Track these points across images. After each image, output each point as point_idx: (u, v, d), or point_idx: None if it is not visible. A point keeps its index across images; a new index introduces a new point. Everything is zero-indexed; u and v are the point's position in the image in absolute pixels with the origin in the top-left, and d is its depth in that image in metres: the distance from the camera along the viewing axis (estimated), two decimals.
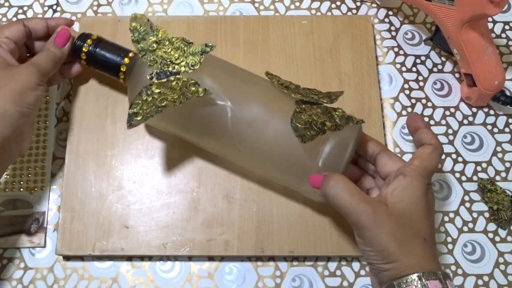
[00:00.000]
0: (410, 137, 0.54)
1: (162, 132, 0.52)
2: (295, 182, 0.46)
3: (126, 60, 0.48)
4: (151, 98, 0.42)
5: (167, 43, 0.45)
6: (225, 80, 0.45)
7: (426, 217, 0.40)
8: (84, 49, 0.48)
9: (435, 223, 0.44)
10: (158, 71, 0.43)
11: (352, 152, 0.43)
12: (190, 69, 0.44)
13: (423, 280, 0.37)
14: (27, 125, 0.43)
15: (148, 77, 0.43)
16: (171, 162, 0.51)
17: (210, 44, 0.44)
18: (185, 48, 0.44)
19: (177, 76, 0.43)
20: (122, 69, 0.48)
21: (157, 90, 0.43)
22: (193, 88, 0.43)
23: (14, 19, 0.59)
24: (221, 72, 0.46)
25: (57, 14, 0.59)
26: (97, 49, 0.48)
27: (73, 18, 0.59)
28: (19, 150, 0.45)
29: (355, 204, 0.39)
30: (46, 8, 0.59)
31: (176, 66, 0.44)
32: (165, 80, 0.43)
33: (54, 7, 0.59)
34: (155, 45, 0.44)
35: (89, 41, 0.48)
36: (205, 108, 0.44)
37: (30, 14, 0.59)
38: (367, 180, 0.47)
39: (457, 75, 0.57)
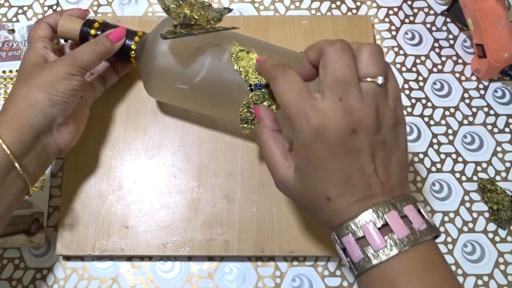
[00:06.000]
0: (410, 137, 0.54)
1: (162, 130, 0.52)
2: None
3: (136, 38, 0.48)
4: (179, 31, 0.43)
5: (189, 2, 0.45)
6: (247, 36, 0.47)
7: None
8: (92, 33, 0.48)
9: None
10: (181, 22, 0.44)
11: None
12: (211, 24, 0.45)
13: (380, 213, 0.32)
14: (61, 118, 0.43)
15: (172, 27, 0.43)
16: (171, 162, 0.51)
17: (227, 7, 0.46)
18: (206, 8, 0.45)
19: (201, 25, 0.44)
20: (132, 48, 0.48)
21: (184, 30, 0.43)
22: (219, 26, 0.44)
23: (14, 19, 0.59)
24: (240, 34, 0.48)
25: None
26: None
27: None
28: (58, 146, 0.45)
29: (271, 160, 0.37)
30: (46, 8, 0.59)
31: (199, 21, 0.44)
32: (189, 29, 0.43)
33: (54, 7, 0.59)
34: (177, 3, 0.44)
35: (96, 24, 0.48)
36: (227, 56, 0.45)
37: (30, 14, 0.59)
38: None
39: (457, 74, 0.57)
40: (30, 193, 0.43)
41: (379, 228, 0.32)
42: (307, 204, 0.36)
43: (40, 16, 0.59)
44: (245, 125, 0.45)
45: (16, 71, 0.55)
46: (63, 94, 0.42)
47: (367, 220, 0.33)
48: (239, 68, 0.44)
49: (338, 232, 0.34)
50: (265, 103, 0.44)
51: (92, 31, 0.48)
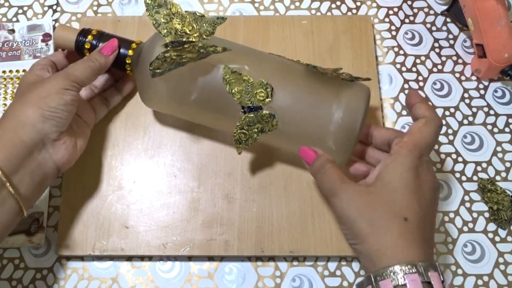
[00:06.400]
0: None
1: (162, 130, 0.52)
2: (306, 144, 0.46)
3: (130, 52, 0.48)
4: (169, 57, 0.42)
5: (180, 16, 0.45)
6: (240, 49, 0.47)
7: (411, 195, 0.37)
8: (86, 46, 0.48)
9: (432, 204, 0.39)
10: (173, 39, 0.44)
11: (361, 124, 0.43)
12: (204, 38, 0.45)
13: (400, 273, 0.34)
14: (55, 133, 0.42)
15: (163, 47, 0.43)
16: (171, 162, 0.51)
17: (221, 17, 0.45)
18: (197, 21, 0.45)
19: (193, 43, 0.44)
20: (127, 61, 0.48)
21: (175, 53, 0.43)
22: (211, 48, 0.43)
23: (14, 19, 0.59)
24: (234, 45, 0.47)
25: (57, 14, 0.59)
26: (100, 44, 0.48)
27: (73, 18, 0.59)
28: (56, 164, 0.43)
29: (331, 184, 0.39)
30: (46, 8, 0.59)
31: (190, 37, 0.44)
32: (180, 48, 0.43)
33: (54, 7, 0.59)
34: (168, 18, 0.44)
35: (90, 36, 0.48)
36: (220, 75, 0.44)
37: (30, 14, 0.59)
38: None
39: (457, 74, 0.57)
40: (24, 214, 0.41)
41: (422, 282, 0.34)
42: (360, 228, 0.37)
43: (40, 16, 0.59)
44: (239, 145, 0.46)
45: (16, 71, 0.55)
46: (55, 109, 0.42)
47: (414, 270, 0.34)
48: (231, 90, 0.44)
49: (378, 274, 0.35)
50: (258, 125, 0.44)
51: (88, 41, 0.48)
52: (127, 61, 0.48)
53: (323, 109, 0.43)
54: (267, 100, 0.43)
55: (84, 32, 0.48)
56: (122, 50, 0.48)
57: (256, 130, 0.45)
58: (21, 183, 0.40)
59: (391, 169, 0.38)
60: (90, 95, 0.51)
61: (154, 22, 0.44)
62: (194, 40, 0.44)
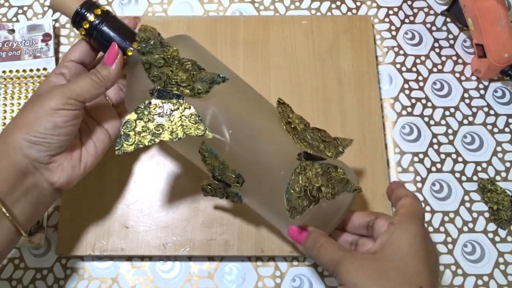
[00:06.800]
0: (410, 137, 0.54)
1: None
2: (277, 224, 0.45)
3: (130, 51, 0.42)
4: (147, 119, 0.40)
5: (176, 62, 0.40)
6: (229, 110, 0.42)
7: (421, 262, 0.36)
8: (85, 25, 0.41)
9: (438, 272, 0.39)
10: (160, 88, 0.40)
11: (340, 219, 0.42)
12: (196, 95, 0.40)
13: None
14: (46, 158, 0.39)
15: (149, 92, 0.40)
16: (171, 162, 0.51)
17: (222, 76, 0.41)
18: (194, 73, 0.41)
19: (179, 100, 0.40)
20: (128, 52, 0.42)
21: (155, 110, 0.40)
22: (193, 124, 0.40)
23: (14, 19, 0.59)
24: (227, 99, 0.42)
25: (57, 14, 0.59)
26: (103, 27, 0.42)
27: None
28: (53, 186, 0.40)
29: (335, 254, 0.38)
30: (46, 8, 0.59)
31: (181, 88, 0.40)
32: (165, 101, 0.40)
33: None
34: (162, 62, 0.40)
35: (92, 16, 0.41)
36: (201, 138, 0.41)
37: (30, 14, 0.59)
38: (364, 242, 0.44)
39: (457, 74, 0.57)
40: (23, 234, 0.39)
41: None
42: None
43: (40, 16, 0.59)
44: (205, 194, 0.45)
45: (16, 71, 0.55)
46: (43, 135, 0.38)
47: None
48: (205, 162, 0.42)
49: None
50: (224, 192, 0.44)
51: (88, 20, 0.41)
52: (128, 53, 0.42)
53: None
54: (236, 184, 0.42)
55: (88, 5, 0.41)
56: (124, 44, 0.42)
57: (221, 195, 0.44)
58: (15, 204, 0.38)
59: (398, 235, 0.37)
60: (120, 98, 0.46)
61: (145, 62, 0.40)
62: (185, 92, 0.40)
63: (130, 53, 0.42)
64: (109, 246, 0.48)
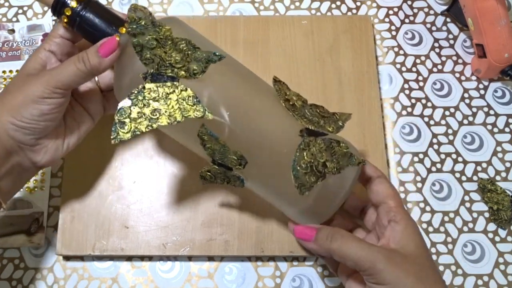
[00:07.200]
0: (410, 137, 0.54)
1: (162, 132, 0.52)
2: (284, 207, 0.45)
3: (118, 36, 0.39)
4: (142, 105, 0.38)
5: (169, 42, 0.39)
6: (227, 90, 0.41)
7: (429, 258, 0.39)
8: (66, 12, 0.39)
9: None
10: (153, 71, 0.38)
11: (347, 193, 0.41)
12: (192, 76, 0.39)
13: None
14: (32, 140, 0.40)
15: (141, 76, 0.38)
16: (171, 162, 0.51)
17: (218, 54, 0.39)
18: (189, 52, 0.39)
19: (175, 83, 0.38)
20: (116, 37, 0.39)
21: (150, 95, 0.38)
22: (191, 106, 0.38)
23: (14, 19, 0.59)
24: (224, 79, 0.41)
25: None
26: (87, 14, 0.39)
27: None
28: (36, 165, 0.42)
29: (366, 250, 0.38)
30: (46, 8, 0.59)
31: (176, 70, 0.38)
32: (160, 84, 0.38)
33: None
34: (154, 43, 0.38)
35: (74, 1, 0.39)
36: (200, 121, 0.40)
37: (30, 14, 0.59)
38: (358, 232, 0.45)
39: (457, 74, 0.57)
40: (3, 207, 0.40)
41: None
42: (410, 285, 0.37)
43: (40, 16, 0.59)
44: (204, 181, 0.43)
45: (16, 71, 0.55)
46: (29, 120, 0.38)
47: None
48: (205, 146, 0.40)
49: None
50: (225, 177, 0.43)
51: (70, 7, 0.39)
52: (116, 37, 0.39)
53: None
54: (238, 167, 0.41)
55: None
56: (109, 30, 0.40)
57: (221, 180, 0.43)
58: (0, 181, 0.39)
59: (409, 235, 0.39)
60: (110, 83, 0.45)
61: (136, 44, 0.38)
62: (180, 73, 0.39)
63: (117, 39, 0.39)
64: (109, 246, 0.48)
